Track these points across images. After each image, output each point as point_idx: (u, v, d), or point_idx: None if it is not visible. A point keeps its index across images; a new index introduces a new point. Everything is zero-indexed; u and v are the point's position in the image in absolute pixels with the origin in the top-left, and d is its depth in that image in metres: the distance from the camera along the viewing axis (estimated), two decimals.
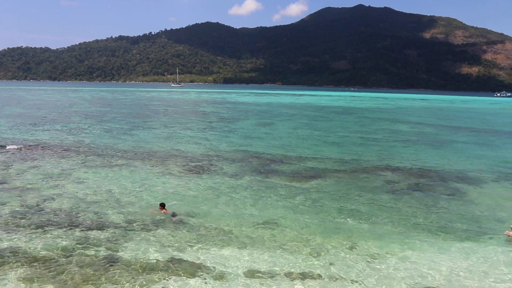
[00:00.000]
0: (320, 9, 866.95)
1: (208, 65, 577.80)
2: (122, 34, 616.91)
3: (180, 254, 13.14)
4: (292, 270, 12.35)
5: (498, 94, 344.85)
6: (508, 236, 15.64)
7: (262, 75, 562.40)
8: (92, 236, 14.30)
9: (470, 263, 13.28)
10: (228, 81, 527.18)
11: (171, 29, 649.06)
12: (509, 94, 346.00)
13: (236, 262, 12.76)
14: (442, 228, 16.46)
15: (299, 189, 21.58)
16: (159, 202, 17.43)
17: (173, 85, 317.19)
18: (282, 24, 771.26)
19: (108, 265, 12.21)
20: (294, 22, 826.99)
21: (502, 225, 16.88)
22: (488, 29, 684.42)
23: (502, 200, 20.97)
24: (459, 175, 26.24)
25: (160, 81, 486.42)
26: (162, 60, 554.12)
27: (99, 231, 14.79)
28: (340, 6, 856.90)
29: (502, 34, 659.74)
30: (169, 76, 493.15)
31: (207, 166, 26.42)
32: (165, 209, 16.97)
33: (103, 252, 13.06)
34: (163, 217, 16.43)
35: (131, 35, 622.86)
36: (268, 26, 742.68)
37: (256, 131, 46.10)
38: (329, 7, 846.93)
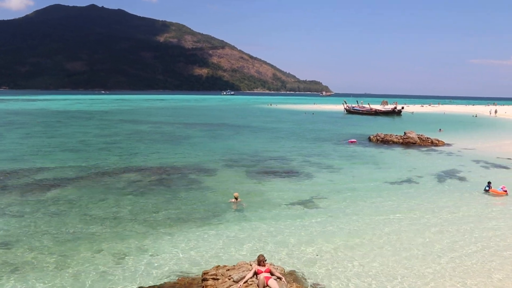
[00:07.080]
0: (48, 5, 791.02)
1: None
2: None
3: None
4: None
5: (224, 93, 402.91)
6: (232, 202, 19.93)
7: None
8: None
9: (210, 244, 14.96)
10: None
11: None
12: (232, 93, 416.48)
13: None
14: (184, 217, 17.99)
15: (35, 203, 19.59)
16: None
17: None
18: (2, 19, 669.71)
19: None
20: (17, 17, 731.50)
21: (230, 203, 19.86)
22: (212, 35, 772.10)
23: (231, 183, 24.62)
24: (196, 167, 29.13)
25: None
26: None
27: None
28: (71, 5, 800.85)
29: (223, 41, 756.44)
30: None
31: None
32: None
33: None
34: None
35: None
36: None
37: None
38: (58, 4, 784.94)
